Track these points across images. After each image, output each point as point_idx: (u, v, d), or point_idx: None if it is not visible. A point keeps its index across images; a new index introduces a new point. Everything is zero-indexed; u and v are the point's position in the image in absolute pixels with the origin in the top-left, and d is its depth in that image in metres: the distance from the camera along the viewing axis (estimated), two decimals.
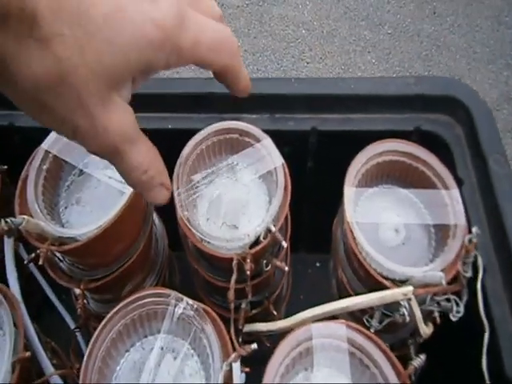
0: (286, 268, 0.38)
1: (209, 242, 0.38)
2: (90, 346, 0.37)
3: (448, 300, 0.36)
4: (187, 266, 0.49)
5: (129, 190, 0.42)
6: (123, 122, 0.24)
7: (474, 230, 0.36)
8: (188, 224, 0.39)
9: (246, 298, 0.41)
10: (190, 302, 0.38)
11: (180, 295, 0.38)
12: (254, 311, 0.46)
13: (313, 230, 0.65)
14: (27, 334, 0.42)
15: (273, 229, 0.35)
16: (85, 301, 0.48)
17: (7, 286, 0.44)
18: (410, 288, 0.37)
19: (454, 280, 0.37)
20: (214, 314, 0.38)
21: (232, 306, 0.39)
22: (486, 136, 0.52)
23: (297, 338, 0.35)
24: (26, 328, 0.41)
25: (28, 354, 0.38)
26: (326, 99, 0.59)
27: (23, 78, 0.21)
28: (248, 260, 0.36)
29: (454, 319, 0.36)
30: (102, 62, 0.21)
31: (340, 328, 0.35)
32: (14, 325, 0.39)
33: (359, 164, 0.46)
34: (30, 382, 0.41)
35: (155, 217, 0.55)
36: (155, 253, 0.51)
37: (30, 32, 0.20)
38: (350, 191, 0.43)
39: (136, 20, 0.21)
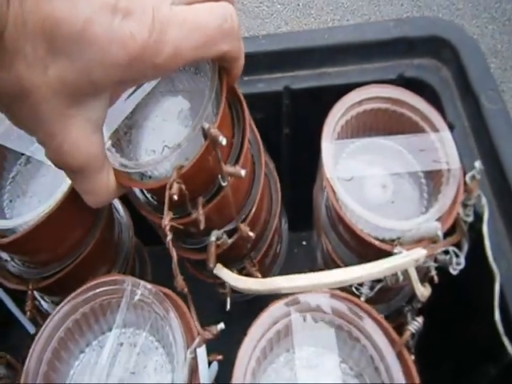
0: (243, 172, 0.28)
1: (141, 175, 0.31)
2: (31, 348, 0.31)
3: (446, 252, 0.31)
4: (161, 260, 0.44)
5: None
6: (84, 144, 0.24)
7: (476, 164, 0.31)
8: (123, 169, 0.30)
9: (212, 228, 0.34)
10: (149, 286, 0.33)
11: (137, 280, 0.33)
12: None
13: (295, 207, 0.60)
14: None
15: (206, 125, 0.26)
16: (44, 305, 0.42)
17: None
18: (423, 252, 0.31)
19: (452, 230, 0.32)
20: (175, 296, 0.32)
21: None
22: (476, 73, 0.46)
23: (272, 315, 0.29)
24: None
25: None
26: (298, 54, 0.54)
27: None
28: (174, 176, 0.27)
29: (454, 273, 0.31)
30: (64, 81, 0.21)
31: (323, 298, 0.29)
32: None
33: (337, 115, 0.41)
34: None
35: (118, 203, 0.49)
36: (119, 243, 0.46)
37: None
38: (328, 146, 0.37)
39: (102, 40, 0.20)
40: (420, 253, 0.29)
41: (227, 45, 0.25)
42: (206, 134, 0.26)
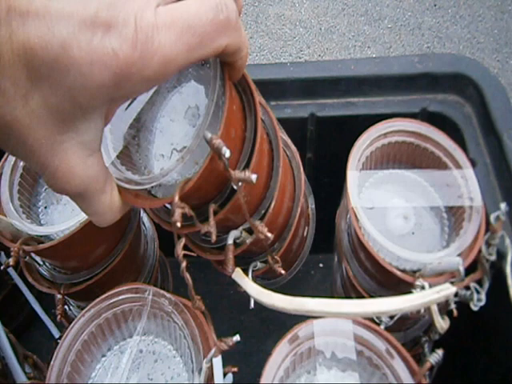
0: (254, 177, 0.26)
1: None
2: (57, 349, 0.33)
3: (467, 288, 0.32)
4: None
5: None
6: (80, 169, 0.22)
7: (502, 206, 0.32)
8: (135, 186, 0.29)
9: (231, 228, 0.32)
10: (169, 296, 0.34)
11: (159, 290, 0.34)
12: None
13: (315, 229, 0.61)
14: (1, 347, 0.38)
15: (208, 136, 0.24)
16: (70, 309, 0.44)
17: None
18: (453, 289, 0.31)
19: (473, 266, 0.33)
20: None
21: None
22: (499, 112, 0.47)
23: (297, 336, 0.30)
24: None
25: None
26: (325, 83, 0.56)
27: None
28: (176, 200, 0.25)
29: (475, 309, 0.31)
30: (48, 108, 0.20)
31: (346, 324, 0.30)
32: None
33: (363, 146, 0.42)
34: None
35: (144, 216, 0.51)
36: (144, 255, 0.47)
37: None
38: (353, 175, 0.39)
39: (81, 63, 0.19)
40: (451, 290, 0.30)
41: (225, 38, 0.22)
42: (208, 144, 0.25)
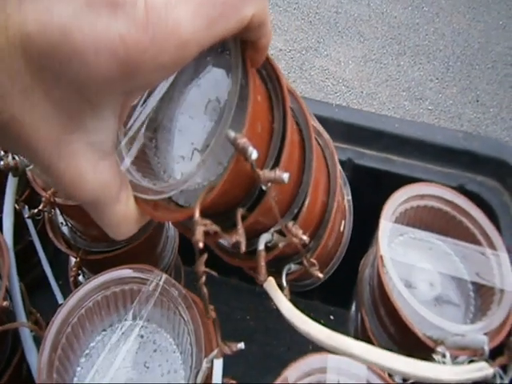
0: (285, 176, 0.23)
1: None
2: (61, 306, 0.32)
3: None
4: (194, 283, 0.43)
5: None
6: (90, 174, 0.20)
7: None
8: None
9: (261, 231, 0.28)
10: (179, 287, 0.33)
11: (171, 279, 0.33)
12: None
13: (330, 280, 0.58)
14: (10, 284, 0.37)
15: (232, 135, 0.21)
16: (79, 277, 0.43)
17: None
18: (491, 370, 0.27)
19: (498, 350, 0.30)
20: (202, 305, 0.32)
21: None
22: None
23: (310, 365, 0.28)
24: (10, 277, 0.36)
25: (6, 303, 0.33)
26: (367, 132, 0.55)
27: None
28: (197, 218, 0.22)
29: None
30: (52, 101, 0.17)
31: (360, 368, 0.28)
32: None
33: (399, 201, 0.41)
34: (1, 335, 0.37)
35: None
36: (163, 249, 0.47)
37: None
38: (386, 225, 0.37)
39: (84, 51, 0.16)
40: (490, 371, 0.27)
41: (250, 7, 0.18)
42: (232, 144, 0.22)
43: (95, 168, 0.20)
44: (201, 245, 0.22)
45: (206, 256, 0.25)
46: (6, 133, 0.17)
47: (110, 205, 0.22)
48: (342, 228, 0.42)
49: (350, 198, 0.46)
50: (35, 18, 0.16)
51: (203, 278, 0.25)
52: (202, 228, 0.23)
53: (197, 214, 0.22)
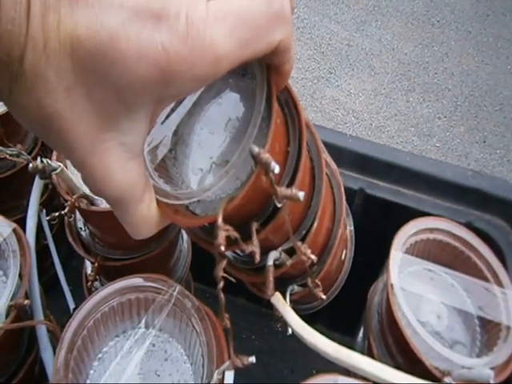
0: (301, 195, 0.24)
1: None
2: (77, 309, 0.33)
3: None
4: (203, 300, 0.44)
5: None
6: (119, 172, 0.21)
7: None
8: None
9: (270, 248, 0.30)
10: (193, 298, 0.34)
11: (185, 291, 0.34)
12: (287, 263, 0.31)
13: (336, 306, 0.59)
14: (30, 284, 0.38)
15: (255, 150, 0.23)
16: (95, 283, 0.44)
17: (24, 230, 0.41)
18: None
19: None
20: (214, 318, 0.33)
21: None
22: None
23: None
24: (30, 277, 0.38)
25: (27, 301, 0.34)
26: (379, 164, 0.57)
27: (16, 117, 0.19)
28: (220, 223, 0.24)
29: None
30: (91, 101, 0.19)
31: None
32: (20, 271, 0.37)
33: (409, 232, 0.42)
34: (18, 334, 0.38)
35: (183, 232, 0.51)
36: (176, 262, 0.48)
37: (15, 77, 0.18)
38: (397, 255, 0.38)
39: (128, 57, 0.18)
40: None
41: (279, 33, 0.20)
42: (255, 159, 0.23)
43: (124, 167, 0.21)
44: (222, 248, 0.23)
45: (225, 261, 0.26)
46: (48, 127, 0.19)
47: (134, 204, 0.23)
48: (343, 256, 0.44)
49: (352, 228, 0.49)
50: (86, 25, 0.17)
51: (221, 284, 0.26)
52: (224, 233, 0.24)
53: (220, 219, 0.24)
